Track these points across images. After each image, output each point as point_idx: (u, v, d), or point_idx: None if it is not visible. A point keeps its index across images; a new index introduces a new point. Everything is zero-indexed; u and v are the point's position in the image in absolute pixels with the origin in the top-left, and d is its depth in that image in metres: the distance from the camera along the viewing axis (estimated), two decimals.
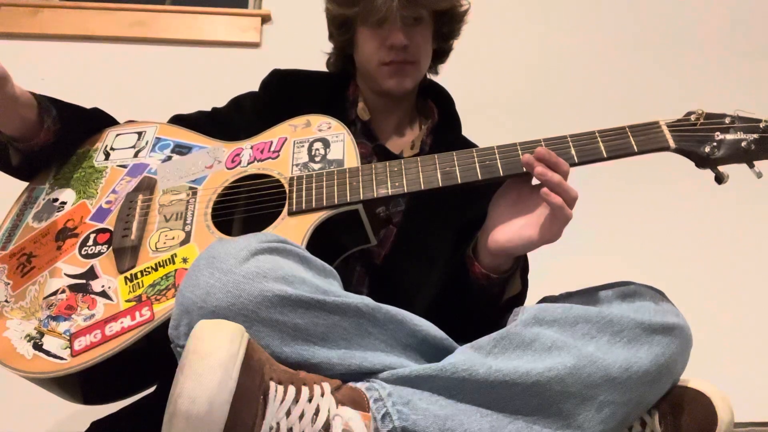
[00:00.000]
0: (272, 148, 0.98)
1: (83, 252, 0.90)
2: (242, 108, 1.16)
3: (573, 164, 0.87)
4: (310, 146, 0.97)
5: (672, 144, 0.88)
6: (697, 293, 1.63)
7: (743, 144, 0.86)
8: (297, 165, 0.95)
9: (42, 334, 0.83)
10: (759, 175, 0.86)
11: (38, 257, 0.91)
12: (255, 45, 1.88)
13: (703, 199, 1.84)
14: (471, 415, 0.72)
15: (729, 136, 0.87)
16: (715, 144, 0.87)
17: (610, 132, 0.89)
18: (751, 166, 0.87)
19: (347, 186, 0.90)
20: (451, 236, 1.07)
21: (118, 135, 1.05)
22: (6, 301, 0.87)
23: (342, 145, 0.96)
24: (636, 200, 1.88)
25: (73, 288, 0.86)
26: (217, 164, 0.98)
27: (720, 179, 0.87)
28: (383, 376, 0.72)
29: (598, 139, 0.88)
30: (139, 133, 1.05)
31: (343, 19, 1.09)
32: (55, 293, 0.86)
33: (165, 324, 0.77)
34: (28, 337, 0.83)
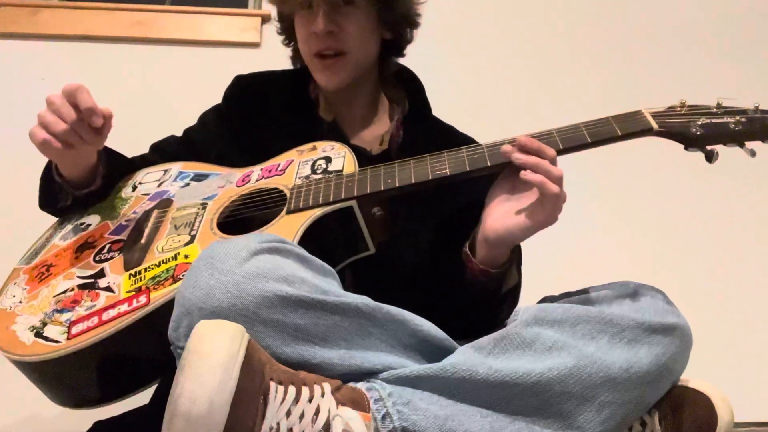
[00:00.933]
0: (279, 168, 1.02)
1: (96, 258, 0.95)
2: (207, 125, 1.16)
3: (558, 151, 0.87)
4: (314, 163, 1.00)
5: (655, 126, 0.88)
6: (697, 293, 1.63)
7: (731, 126, 0.86)
8: (300, 177, 0.98)
9: (45, 324, 0.86)
10: (752, 153, 0.86)
11: (56, 266, 0.96)
12: (255, 45, 1.88)
13: (703, 199, 1.84)
14: (471, 415, 0.72)
15: (715, 120, 0.87)
16: (700, 124, 0.87)
17: (594, 122, 0.91)
18: (742, 145, 0.86)
19: (343, 185, 0.92)
20: (436, 226, 1.06)
21: (147, 174, 1.12)
22: (20, 302, 0.92)
23: (343, 160, 0.99)
24: (636, 201, 1.88)
25: (81, 286, 0.90)
26: (228, 184, 1.03)
27: (710, 158, 0.87)
28: (383, 376, 0.72)
29: (582, 128, 0.90)
30: (165, 170, 1.11)
31: (279, 8, 1.07)
32: (64, 292, 0.90)
33: (159, 310, 0.80)
34: (31, 328, 0.86)
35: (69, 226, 1.05)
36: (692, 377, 0.86)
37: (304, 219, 0.88)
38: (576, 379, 0.75)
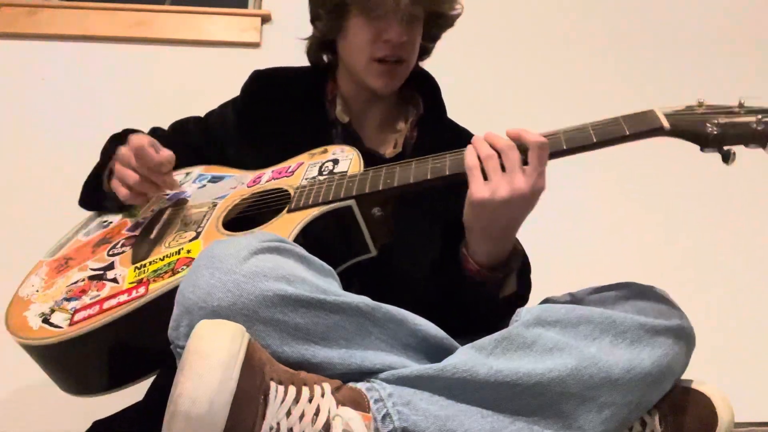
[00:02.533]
0: (289, 170, 1.04)
1: (110, 252, 0.99)
2: (226, 122, 1.16)
3: (563, 152, 0.84)
4: (322, 165, 1.01)
5: (666, 125, 0.82)
6: (698, 294, 1.64)
7: (753, 125, 0.79)
8: (306, 178, 0.99)
9: (53, 311, 0.90)
10: None
11: (74, 259, 1.01)
12: (255, 45, 1.88)
13: (704, 200, 1.85)
14: (472, 415, 0.72)
15: (736, 119, 0.80)
16: (718, 123, 0.81)
17: (602, 122, 0.86)
18: (765, 146, 0.80)
19: (343, 186, 0.92)
20: (438, 230, 1.05)
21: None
22: (37, 291, 0.96)
23: (349, 162, 0.99)
24: (639, 201, 1.88)
25: (91, 278, 0.94)
26: (240, 185, 1.05)
27: (726, 158, 0.81)
28: (384, 376, 0.72)
29: (589, 128, 0.86)
30: (187, 173, 1.15)
31: (337, 3, 1.04)
32: (76, 282, 0.94)
33: (156, 301, 0.82)
34: (41, 314, 0.90)
35: (93, 224, 1.10)
36: (693, 377, 0.86)
37: (302, 217, 0.89)
38: (577, 380, 0.75)
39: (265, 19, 1.90)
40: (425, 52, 1.16)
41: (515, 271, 0.95)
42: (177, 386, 0.60)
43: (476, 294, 0.94)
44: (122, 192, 0.97)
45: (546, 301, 0.91)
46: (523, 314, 0.81)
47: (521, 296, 1.00)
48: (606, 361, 0.77)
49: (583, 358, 0.76)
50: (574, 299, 0.89)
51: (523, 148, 0.83)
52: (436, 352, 0.77)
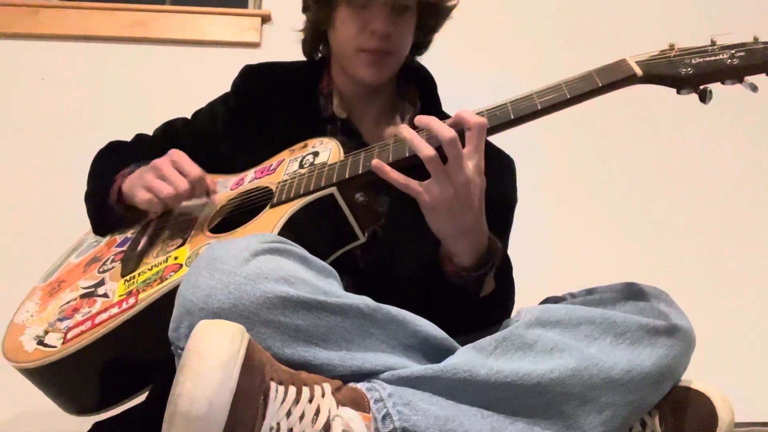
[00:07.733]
0: (271, 168, 1.03)
1: (100, 269, 0.99)
2: (216, 120, 1.14)
3: (537, 112, 0.83)
4: (302, 159, 1.00)
5: (639, 72, 0.81)
6: (698, 294, 1.64)
7: (727, 60, 0.78)
8: (287, 173, 0.99)
9: (47, 333, 0.89)
10: (753, 87, 0.79)
11: (66, 281, 1.01)
12: (255, 45, 1.88)
13: (704, 200, 1.84)
14: (472, 416, 0.72)
15: (709, 58, 0.79)
16: (691, 63, 0.80)
17: (574, 78, 0.85)
18: (741, 80, 0.79)
19: (324, 175, 0.91)
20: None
21: None
22: (31, 315, 0.96)
23: (329, 153, 0.98)
24: (639, 201, 1.88)
25: (83, 296, 0.94)
26: (224, 189, 1.05)
27: (703, 97, 0.80)
28: (384, 376, 0.72)
29: (563, 86, 0.85)
30: None
31: None
32: (68, 302, 0.94)
33: (147, 309, 0.82)
34: (36, 337, 0.90)
35: (84, 245, 1.10)
36: (693, 378, 0.86)
37: (285, 211, 0.88)
38: (577, 381, 0.75)
39: (265, 19, 1.90)
40: (422, 45, 1.14)
41: (494, 269, 0.92)
42: (177, 386, 0.60)
43: (457, 294, 0.92)
44: (145, 197, 0.93)
45: (546, 301, 0.91)
46: (523, 314, 0.81)
47: (505, 294, 0.97)
48: (606, 362, 0.77)
49: (584, 358, 0.76)
50: (575, 300, 0.89)
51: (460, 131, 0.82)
52: (436, 353, 0.77)
